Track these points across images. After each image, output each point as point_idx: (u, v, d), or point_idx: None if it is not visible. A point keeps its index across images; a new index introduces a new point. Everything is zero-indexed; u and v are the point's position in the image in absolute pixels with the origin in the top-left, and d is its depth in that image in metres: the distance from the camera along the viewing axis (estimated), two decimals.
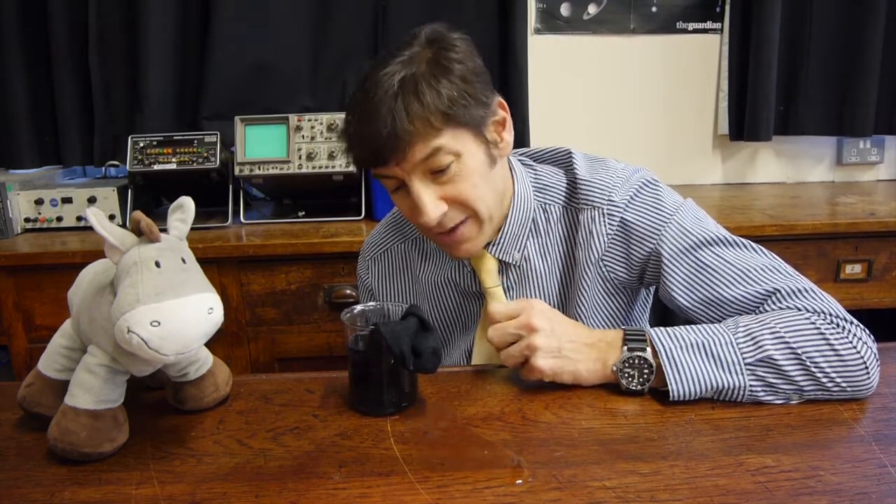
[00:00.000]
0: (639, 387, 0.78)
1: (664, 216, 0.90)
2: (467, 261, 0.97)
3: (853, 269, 1.68)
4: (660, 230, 0.90)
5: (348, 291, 1.59)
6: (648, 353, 0.78)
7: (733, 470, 0.64)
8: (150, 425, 0.77)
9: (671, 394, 0.76)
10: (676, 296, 0.88)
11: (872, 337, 0.79)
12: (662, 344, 0.77)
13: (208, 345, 0.72)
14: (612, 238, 0.93)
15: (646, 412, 0.76)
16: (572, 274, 0.96)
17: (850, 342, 0.76)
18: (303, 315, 1.62)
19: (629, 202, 0.92)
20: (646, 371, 0.78)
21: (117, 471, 0.68)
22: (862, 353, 0.76)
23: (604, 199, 0.92)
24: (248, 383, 0.87)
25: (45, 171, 1.99)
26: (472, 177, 0.85)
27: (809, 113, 2.11)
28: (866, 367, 0.76)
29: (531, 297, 0.97)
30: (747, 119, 2.07)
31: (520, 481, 0.63)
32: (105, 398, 0.70)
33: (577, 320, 0.94)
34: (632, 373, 0.78)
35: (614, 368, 0.79)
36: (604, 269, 0.94)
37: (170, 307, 0.62)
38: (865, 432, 0.71)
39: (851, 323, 0.78)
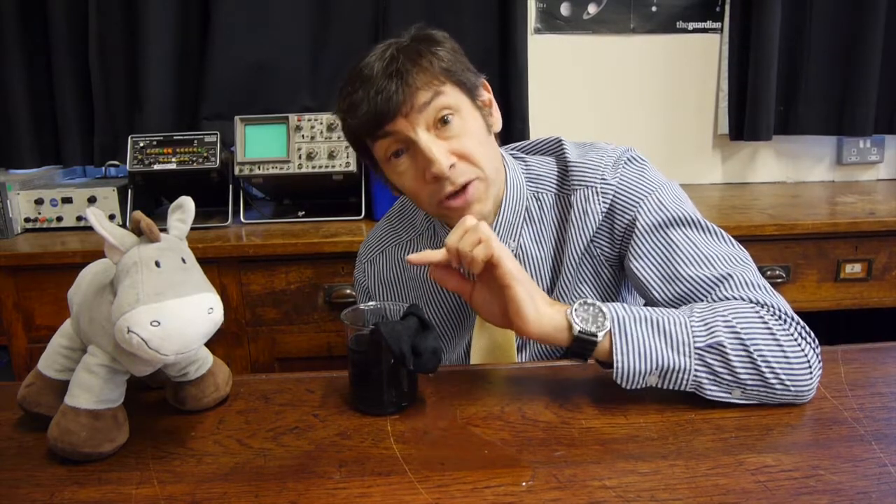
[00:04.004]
0: (593, 328, 0.75)
1: (645, 190, 0.91)
2: None
3: (853, 269, 1.68)
4: (639, 202, 0.90)
5: (348, 291, 1.59)
6: (602, 305, 0.76)
7: (733, 470, 0.64)
8: (150, 425, 0.77)
9: (616, 368, 0.74)
10: (636, 266, 0.88)
11: (816, 341, 0.78)
12: (616, 313, 0.76)
13: (208, 345, 0.72)
14: (604, 216, 0.93)
15: (646, 412, 0.76)
16: (562, 254, 0.96)
17: (795, 339, 0.76)
18: (303, 315, 1.62)
19: (619, 179, 0.93)
20: (600, 318, 0.75)
21: (117, 471, 0.68)
22: (806, 352, 0.75)
23: (597, 177, 0.93)
24: (248, 383, 0.87)
25: (45, 171, 1.99)
26: (474, 135, 0.88)
27: (809, 113, 2.11)
28: (809, 366, 0.75)
29: None
30: (747, 119, 2.07)
31: (523, 483, 0.63)
32: (105, 398, 0.70)
33: (563, 300, 0.95)
34: (586, 317, 0.76)
35: (568, 312, 0.76)
36: (592, 247, 0.95)
37: (170, 307, 0.62)
38: (865, 432, 0.71)
39: (798, 323, 0.78)
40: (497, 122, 0.95)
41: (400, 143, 0.87)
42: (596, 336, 0.75)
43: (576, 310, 0.77)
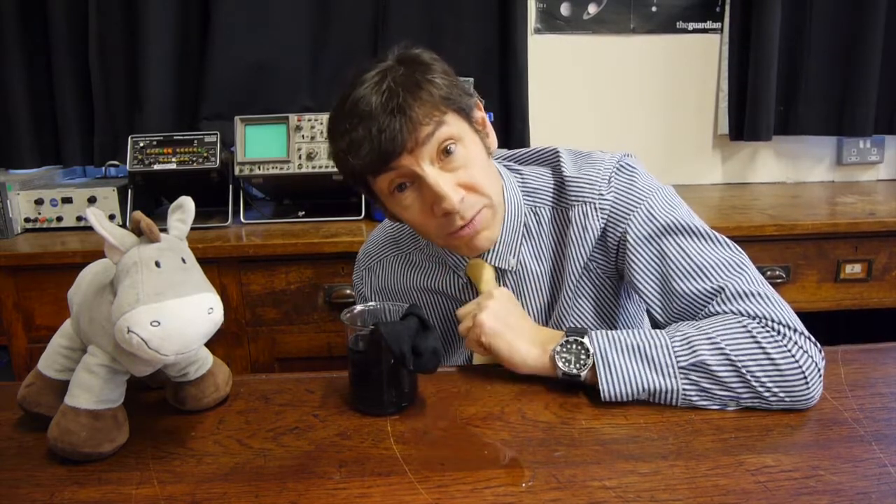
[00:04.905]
0: (575, 370, 0.79)
1: (634, 201, 0.90)
2: (462, 271, 0.97)
3: (853, 269, 1.68)
4: (629, 214, 0.90)
5: (348, 291, 1.59)
6: (586, 341, 0.79)
7: (733, 470, 0.64)
8: (150, 425, 0.77)
9: (602, 394, 0.77)
10: (637, 282, 0.88)
11: (819, 347, 0.77)
12: (598, 343, 0.79)
13: (208, 345, 0.72)
14: (602, 231, 0.92)
15: (646, 412, 0.76)
16: (563, 271, 0.96)
17: (787, 349, 0.75)
18: (303, 315, 1.62)
19: (612, 192, 0.92)
20: (583, 356, 0.79)
21: (117, 471, 0.68)
22: (800, 362, 0.75)
23: (594, 193, 0.92)
24: (248, 383, 0.87)
25: (45, 171, 1.99)
26: (477, 162, 0.87)
27: (809, 113, 2.11)
28: (804, 376, 0.74)
29: (528, 300, 0.97)
30: (747, 119, 2.07)
31: (523, 484, 0.63)
32: (105, 398, 0.70)
33: (564, 316, 0.95)
34: (568, 357, 0.80)
35: (552, 352, 0.81)
36: (590, 263, 0.94)
37: (170, 307, 0.62)
38: (865, 432, 0.71)
39: (795, 331, 0.77)
40: (493, 142, 0.93)
41: (404, 178, 0.85)
42: (579, 375, 0.79)
43: (559, 352, 0.80)
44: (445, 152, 0.83)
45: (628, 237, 0.89)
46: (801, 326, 0.78)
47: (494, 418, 0.76)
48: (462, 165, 0.85)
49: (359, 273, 1.11)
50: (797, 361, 0.75)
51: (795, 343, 0.76)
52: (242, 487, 0.64)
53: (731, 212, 1.77)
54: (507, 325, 0.83)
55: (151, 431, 0.75)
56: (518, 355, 0.82)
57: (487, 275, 0.95)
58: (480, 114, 0.92)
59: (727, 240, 0.88)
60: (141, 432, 0.74)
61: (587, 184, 0.92)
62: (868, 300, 1.71)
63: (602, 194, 0.91)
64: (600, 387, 0.77)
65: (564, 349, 0.80)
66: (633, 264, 0.89)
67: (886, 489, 0.61)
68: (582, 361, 0.79)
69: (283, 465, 0.68)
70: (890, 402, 0.77)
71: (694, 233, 0.87)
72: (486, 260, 0.94)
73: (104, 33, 1.90)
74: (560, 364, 0.80)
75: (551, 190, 0.96)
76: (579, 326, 0.95)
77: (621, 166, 0.93)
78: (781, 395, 0.75)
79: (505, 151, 1.04)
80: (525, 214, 0.96)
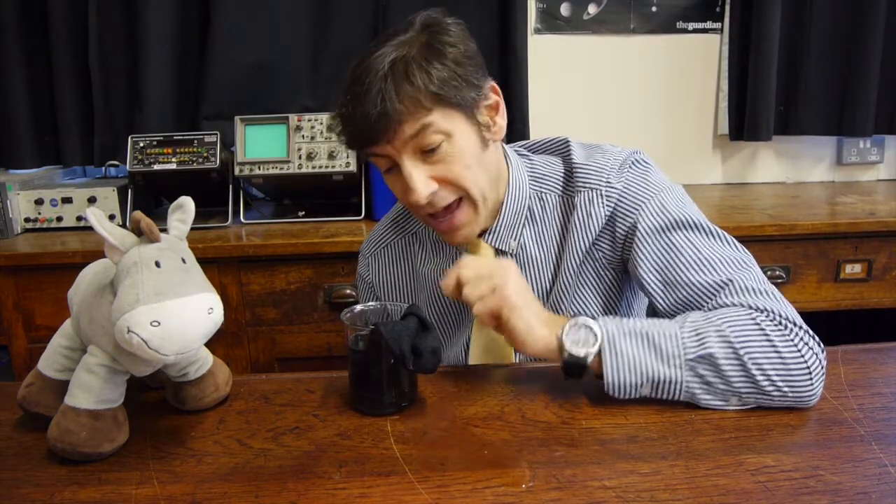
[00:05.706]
0: (583, 351, 0.76)
1: (648, 193, 0.91)
2: (465, 250, 0.98)
3: (853, 269, 1.68)
4: (640, 206, 0.90)
5: (348, 291, 1.59)
6: (593, 324, 0.78)
7: (733, 470, 0.64)
8: (150, 425, 0.77)
9: (606, 382, 0.76)
10: (641, 272, 0.88)
11: (822, 346, 0.78)
12: (606, 329, 0.77)
13: (208, 345, 0.72)
14: (607, 219, 0.92)
15: (646, 412, 0.76)
16: (563, 256, 0.96)
17: (795, 345, 0.75)
18: (303, 315, 1.62)
19: (623, 183, 0.92)
20: (591, 339, 0.77)
21: (117, 471, 0.68)
22: (806, 358, 0.75)
23: (601, 181, 0.92)
24: (248, 383, 0.87)
25: (45, 171, 1.99)
26: (463, 157, 0.87)
27: (809, 113, 2.11)
28: (809, 373, 0.74)
29: (528, 284, 0.97)
30: (747, 119, 2.07)
31: (524, 484, 0.63)
32: (105, 398, 0.70)
33: (561, 301, 0.95)
34: (576, 338, 0.78)
35: (559, 333, 0.78)
36: (594, 251, 0.95)
37: (170, 307, 0.62)
38: (865, 432, 0.71)
39: (801, 328, 0.77)
40: (501, 128, 0.92)
41: (390, 163, 0.87)
42: (585, 359, 0.77)
43: (567, 333, 0.78)
44: (426, 145, 0.85)
45: (638, 227, 0.89)
46: (805, 326, 0.79)
47: (494, 418, 0.76)
48: (442, 160, 0.86)
49: (364, 261, 1.12)
50: (803, 356, 0.75)
51: (801, 339, 0.76)
52: (242, 487, 0.64)
53: (731, 212, 1.77)
54: (526, 302, 0.81)
55: (151, 431, 0.75)
56: (532, 335, 0.79)
57: (485, 255, 0.96)
58: (495, 97, 0.91)
59: (735, 240, 0.88)
60: (141, 432, 0.74)
61: (594, 171, 0.93)
62: (868, 300, 1.71)
63: (609, 182, 0.91)
64: (605, 372, 0.76)
65: (572, 330, 0.78)
66: (639, 253, 0.89)
67: (886, 489, 0.61)
68: (590, 345, 0.77)
69: (283, 465, 0.68)
70: (890, 402, 0.77)
71: (703, 230, 0.88)
72: (486, 241, 0.96)
73: (104, 33, 1.90)
74: (568, 343, 0.77)
75: (560, 178, 0.97)
76: (581, 315, 0.93)
77: (636, 160, 0.94)
78: (785, 389, 0.74)
79: (517, 142, 1.05)
80: (530, 198, 0.97)
